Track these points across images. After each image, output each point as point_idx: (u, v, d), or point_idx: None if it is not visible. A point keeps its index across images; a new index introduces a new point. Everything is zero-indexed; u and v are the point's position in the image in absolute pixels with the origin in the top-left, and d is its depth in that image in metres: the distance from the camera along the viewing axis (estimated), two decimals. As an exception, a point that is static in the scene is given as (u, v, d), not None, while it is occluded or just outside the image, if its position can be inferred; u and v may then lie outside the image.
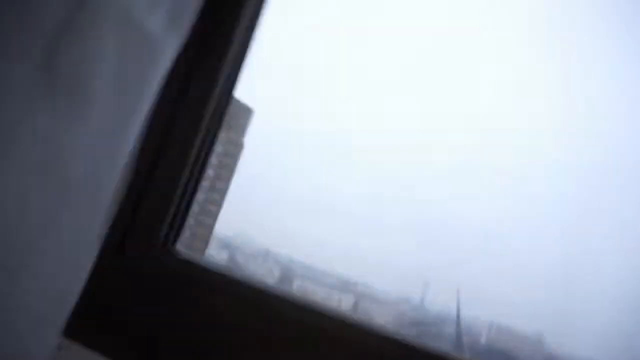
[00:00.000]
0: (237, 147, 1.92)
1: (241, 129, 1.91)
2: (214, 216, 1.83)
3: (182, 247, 0.88)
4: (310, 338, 0.64)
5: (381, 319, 1.74)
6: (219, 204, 1.84)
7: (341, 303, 1.77)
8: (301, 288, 1.82)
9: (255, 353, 0.65)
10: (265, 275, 1.88)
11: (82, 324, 0.61)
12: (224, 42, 0.73)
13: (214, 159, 1.56)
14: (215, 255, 1.87)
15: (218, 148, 1.54)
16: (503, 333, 1.57)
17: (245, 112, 1.90)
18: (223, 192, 1.85)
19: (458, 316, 1.55)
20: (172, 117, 0.72)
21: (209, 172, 1.55)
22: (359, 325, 0.64)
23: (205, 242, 1.84)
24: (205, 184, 1.52)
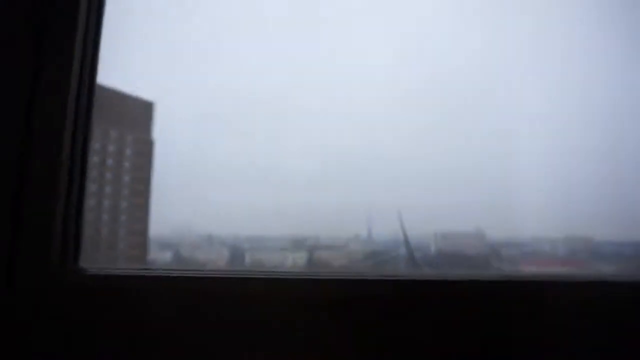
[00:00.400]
0: (147, 145, 1.80)
1: (146, 126, 1.78)
2: (144, 220, 1.78)
3: (122, 260, 0.74)
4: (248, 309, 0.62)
5: (337, 263, 1.80)
6: (145, 207, 1.78)
7: (296, 261, 1.81)
8: (254, 261, 1.84)
9: (194, 344, 0.61)
10: (215, 259, 1.85)
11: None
12: (70, 27, 0.71)
13: (126, 163, 1.72)
14: (158, 258, 1.82)
15: (127, 151, 1.74)
16: (448, 238, 1.72)
17: (146, 108, 1.78)
18: (146, 194, 1.78)
19: (405, 237, 1.62)
20: (28, 125, 0.64)
21: (125, 177, 1.71)
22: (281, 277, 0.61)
23: (143, 248, 1.79)
24: (124, 191, 1.71)
